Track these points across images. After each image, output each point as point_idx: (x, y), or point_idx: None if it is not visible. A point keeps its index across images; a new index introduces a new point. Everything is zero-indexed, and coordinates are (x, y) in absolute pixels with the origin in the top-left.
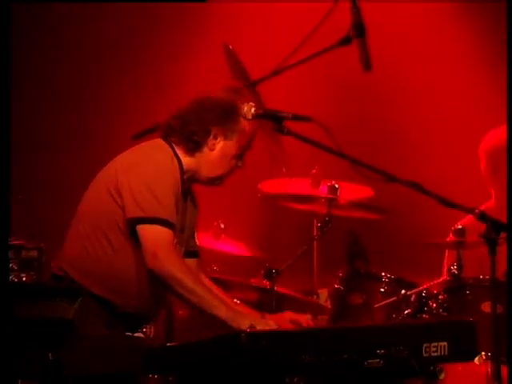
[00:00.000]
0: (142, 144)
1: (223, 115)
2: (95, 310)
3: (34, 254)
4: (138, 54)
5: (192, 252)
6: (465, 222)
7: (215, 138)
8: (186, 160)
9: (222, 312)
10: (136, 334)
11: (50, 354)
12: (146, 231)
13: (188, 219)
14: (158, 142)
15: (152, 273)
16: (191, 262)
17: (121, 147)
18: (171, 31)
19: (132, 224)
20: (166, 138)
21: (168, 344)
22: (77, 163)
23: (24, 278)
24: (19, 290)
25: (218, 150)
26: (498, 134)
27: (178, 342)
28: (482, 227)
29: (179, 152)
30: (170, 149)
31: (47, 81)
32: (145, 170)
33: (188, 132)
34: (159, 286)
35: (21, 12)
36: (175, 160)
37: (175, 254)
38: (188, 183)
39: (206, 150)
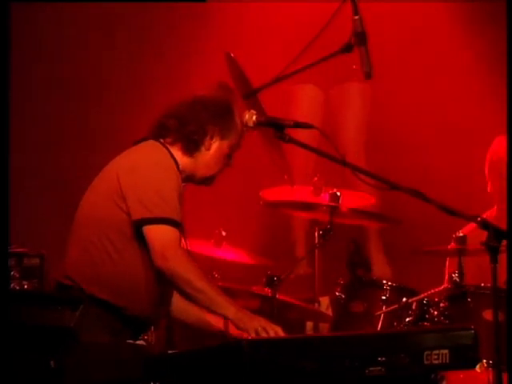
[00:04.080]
0: (137, 147)
1: (219, 115)
2: (97, 317)
3: (36, 261)
4: (137, 55)
5: None
6: (466, 229)
7: (212, 137)
8: (183, 160)
9: (230, 312)
10: (137, 342)
11: (51, 362)
12: (154, 231)
13: None
14: (153, 143)
15: (161, 272)
16: None
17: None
18: (171, 33)
19: (138, 225)
20: (157, 139)
21: (169, 352)
22: (78, 170)
23: (26, 286)
24: (21, 297)
25: (213, 149)
26: (503, 141)
27: (180, 349)
28: (484, 235)
29: (175, 153)
30: (165, 149)
31: (47, 84)
32: (149, 171)
33: (187, 132)
34: (166, 286)
35: (21, 11)
36: (172, 160)
37: (183, 253)
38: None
39: (203, 149)
